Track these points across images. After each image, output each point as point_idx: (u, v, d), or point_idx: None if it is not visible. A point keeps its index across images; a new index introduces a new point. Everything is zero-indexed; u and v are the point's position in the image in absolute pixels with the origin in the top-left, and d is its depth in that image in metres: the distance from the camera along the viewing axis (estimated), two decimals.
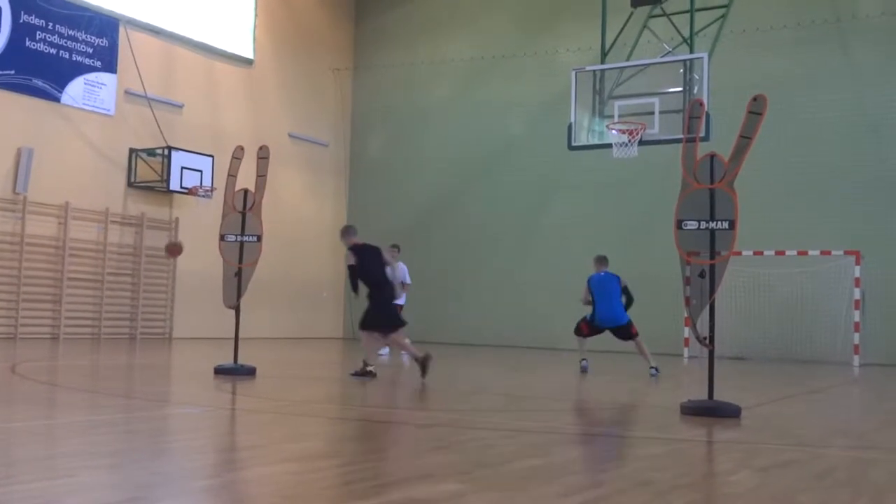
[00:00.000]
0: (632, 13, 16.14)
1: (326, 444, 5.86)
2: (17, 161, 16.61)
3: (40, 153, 16.86)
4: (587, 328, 12.76)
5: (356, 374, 10.29)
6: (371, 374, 10.25)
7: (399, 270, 15.19)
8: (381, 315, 10.59)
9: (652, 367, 12.03)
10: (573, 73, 15.12)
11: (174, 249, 17.01)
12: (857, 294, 16.66)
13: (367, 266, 10.53)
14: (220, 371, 10.07)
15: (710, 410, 7.27)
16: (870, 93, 17.79)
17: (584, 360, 12.55)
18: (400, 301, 15.06)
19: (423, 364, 9.96)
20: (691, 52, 14.64)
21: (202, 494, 4.01)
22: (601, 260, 13.06)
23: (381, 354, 15.18)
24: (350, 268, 10.47)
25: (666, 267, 14.87)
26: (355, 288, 10.57)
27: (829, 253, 17.01)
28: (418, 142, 22.88)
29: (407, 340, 10.97)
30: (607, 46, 15.58)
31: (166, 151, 18.58)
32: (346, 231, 10.92)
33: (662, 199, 14.62)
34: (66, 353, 13.96)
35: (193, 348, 16.32)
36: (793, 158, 17.94)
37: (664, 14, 15.91)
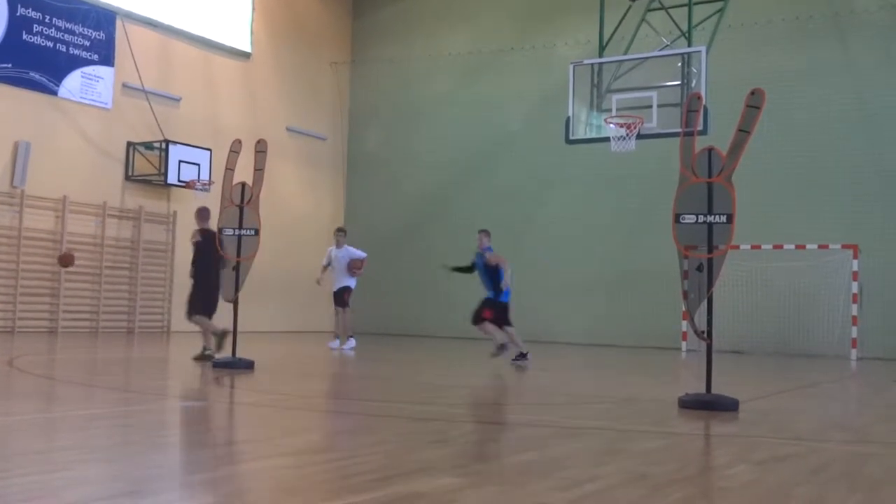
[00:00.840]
0: (630, 7, 16.12)
1: (324, 438, 5.86)
2: (15, 155, 16.59)
3: (38, 147, 16.84)
4: (490, 312, 12.46)
5: (201, 355, 10.95)
6: (210, 357, 10.79)
7: (346, 253, 15.21)
8: (210, 300, 11.15)
9: (508, 351, 12.03)
10: (571, 67, 15.11)
11: (66, 259, 15.45)
12: (854, 288, 16.67)
13: (205, 249, 11.12)
14: (218, 364, 10.07)
15: (708, 404, 7.28)
16: (867, 87, 17.79)
17: (503, 346, 12.17)
18: (350, 283, 15.20)
19: (220, 340, 10.92)
20: (689, 45, 14.62)
21: (200, 488, 4.01)
22: (488, 233, 13.23)
23: (345, 348, 14.89)
24: (195, 244, 11.32)
25: (664, 261, 14.89)
26: (194, 264, 11.33)
27: (826, 247, 17.02)
28: (416, 136, 22.85)
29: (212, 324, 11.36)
30: (605, 40, 15.56)
31: (164, 145, 18.56)
32: (202, 213, 11.61)
33: (660, 193, 14.63)
34: (64, 347, 13.96)
35: (191, 342, 16.28)
36: (790, 152, 17.94)
37: (662, 7, 15.89)
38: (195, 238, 11.35)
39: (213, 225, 11.13)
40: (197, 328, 11.51)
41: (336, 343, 15.09)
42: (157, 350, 14.18)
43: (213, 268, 11.03)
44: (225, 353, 10.60)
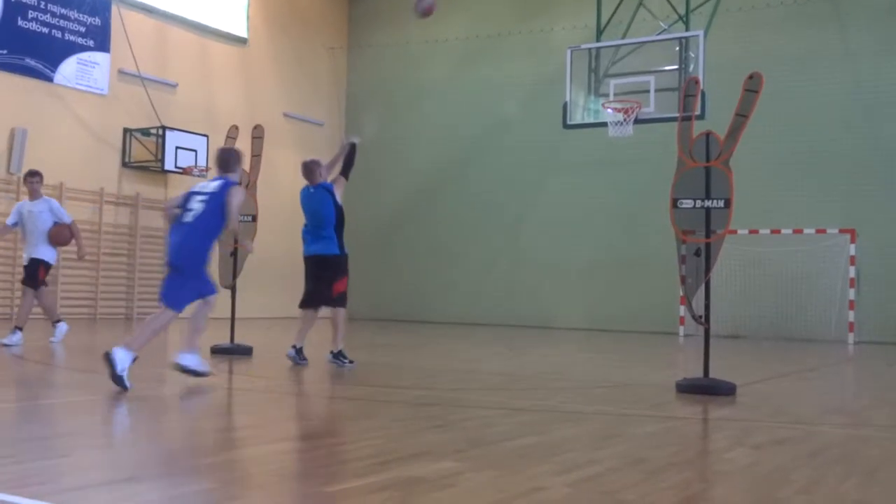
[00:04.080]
0: None
1: (324, 423, 5.88)
2: (11, 141, 16.55)
3: (34, 133, 16.79)
4: None
5: None
6: None
7: (47, 208, 10.72)
8: None
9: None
10: (568, 52, 15.07)
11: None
12: (851, 272, 16.70)
13: None
14: (217, 351, 10.09)
15: (705, 388, 7.30)
16: (865, 71, 17.75)
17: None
18: (47, 255, 10.83)
19: None
20: (687, 29, 14.59)
21: (200, 473, 4.02)
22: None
23: (53, 340, 11.18)
24: None
25: (661, 246, 14.89)
26: None
27: (824, 231, 17.04)
28: (413, 121, 22.81)
29: None
30: (603, 24, 15.52)
31: (160, 131, 18.51)
32: None
33: (658, 178, 14.62)
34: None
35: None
36: (789, 136, 17.92)
37: None
38: None
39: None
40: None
41: (15, 337, 10.41)
42: (156, 336, 14.16)
43: None
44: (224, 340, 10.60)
